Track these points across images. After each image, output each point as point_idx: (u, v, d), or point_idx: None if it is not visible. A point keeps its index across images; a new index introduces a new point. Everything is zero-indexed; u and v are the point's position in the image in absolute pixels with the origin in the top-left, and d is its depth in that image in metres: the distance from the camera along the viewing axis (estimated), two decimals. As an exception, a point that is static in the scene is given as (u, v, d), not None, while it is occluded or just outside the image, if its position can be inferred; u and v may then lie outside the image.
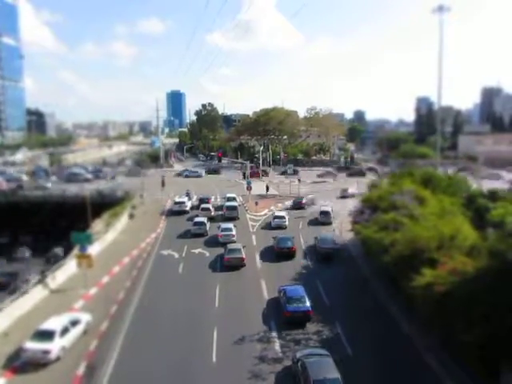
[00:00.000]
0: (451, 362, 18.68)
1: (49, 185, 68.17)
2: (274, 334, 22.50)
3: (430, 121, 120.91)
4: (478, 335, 15.95)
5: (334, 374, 17.07)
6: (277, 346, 21.40)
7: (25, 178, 74.84)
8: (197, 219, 42.97)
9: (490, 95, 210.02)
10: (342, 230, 41.58)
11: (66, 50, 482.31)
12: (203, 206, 48.90)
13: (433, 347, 20.11)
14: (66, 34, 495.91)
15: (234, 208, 48.29)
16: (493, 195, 34.15)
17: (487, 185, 44.43)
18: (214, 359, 20.35)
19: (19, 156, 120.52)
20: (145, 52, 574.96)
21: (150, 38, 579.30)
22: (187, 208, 50.24)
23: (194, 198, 56.43)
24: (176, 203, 51.07)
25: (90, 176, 78.19)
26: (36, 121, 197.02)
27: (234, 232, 39.24)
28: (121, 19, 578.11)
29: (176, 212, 49.86)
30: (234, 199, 53.77)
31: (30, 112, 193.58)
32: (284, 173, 78.22)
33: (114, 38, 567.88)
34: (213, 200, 55.67)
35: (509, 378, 16.01)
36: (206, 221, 42.59)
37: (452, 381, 17.76)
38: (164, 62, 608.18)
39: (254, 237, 40.88)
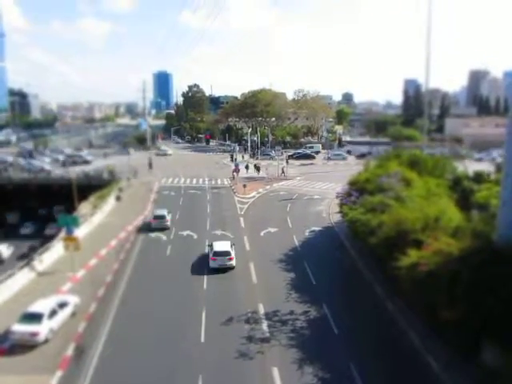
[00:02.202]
0: (433, 340, 19.13)
1: (47, 167, 66.69)
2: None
3: (417, 103, 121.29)
4: (460, 313, 16.33)
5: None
6: (264, 326, 21.69)
7: (10, 159, 73.58)
8: None
9: (476, 78, 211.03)
10: (329, 212, 41.94)
11: (30, 26, 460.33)
12: None
13: (416, 326, 20.56)
14: (27, 9, 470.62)
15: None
16: (478, 177, 34.52)
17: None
18: (203, 339, 20.60)
19: (1, 137, 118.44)
20: (117, 30, 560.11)
21: (117, 16, 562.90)
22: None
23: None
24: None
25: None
26: (19, 101, 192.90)
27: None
28: None
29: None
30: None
31: (12, 92, 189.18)
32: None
33: (81, 15, 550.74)
34: None
35: (489, 355, 16.47)
36: None
37: (434, 357, 18.21)
38: (140, 42, 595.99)
39: (242, 219, 41.03)
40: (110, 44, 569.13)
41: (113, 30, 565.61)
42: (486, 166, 40.47)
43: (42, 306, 21.52)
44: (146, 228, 38.25)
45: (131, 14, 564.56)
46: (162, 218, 38.38)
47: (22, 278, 26.91)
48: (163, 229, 37.55)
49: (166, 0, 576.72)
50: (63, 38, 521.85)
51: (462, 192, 31.19)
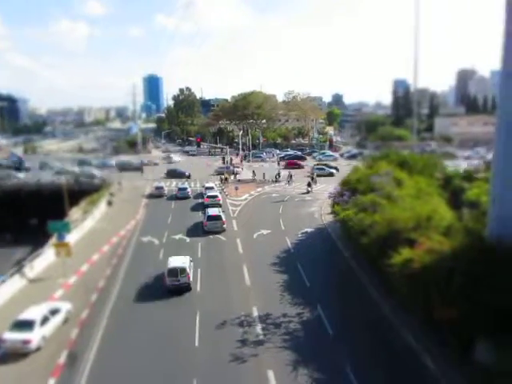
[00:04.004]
0: (429, 339, 19.19)
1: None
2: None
3: (406, 103, 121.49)
4: (455, 311, 16.40)
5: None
6: (258, 328, 21.61)
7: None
8: None
9: (464, 77, 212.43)
10: (321, 213, 42.00)
11: (5, 31, 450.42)
12: None
13: (411, 325, 20.60)
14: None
15: None
16: (469, 176, 34.73)
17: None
18: (197, 343, 20.48)
19: None
20: (95, 33, 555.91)
21: (92, 19, 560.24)
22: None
23: None
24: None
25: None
26: (8, 107, 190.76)
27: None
28: (54, 1, 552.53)
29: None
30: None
31: (1, 98, 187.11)
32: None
33: (55, 19, 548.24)
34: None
35: (482, 352, 16.56)
36: None
37: (430, 356, 18.26)
38: (120, 45, 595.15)
39: (234, 222, 40.94)
40: (90, 47, 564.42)
41: (90, 33, 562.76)
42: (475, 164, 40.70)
43: (33, 313, 21.30)
44: (171, 198, 50.97)
45: (108, 17, 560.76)
46: (185, 189, 51.43)
47: (13, 285, 26.62)
48: (186, 198, 50.26)
49: (144, 3, 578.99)
50: (40, 42, 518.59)
51: (453, 190, 31.39)
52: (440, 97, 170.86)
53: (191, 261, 28.23)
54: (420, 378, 17.59)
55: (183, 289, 25.99)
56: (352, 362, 18.53)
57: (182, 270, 25.96)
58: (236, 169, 66.01)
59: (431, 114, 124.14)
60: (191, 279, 26.37)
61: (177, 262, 26.87)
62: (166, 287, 25.95)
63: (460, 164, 41.94)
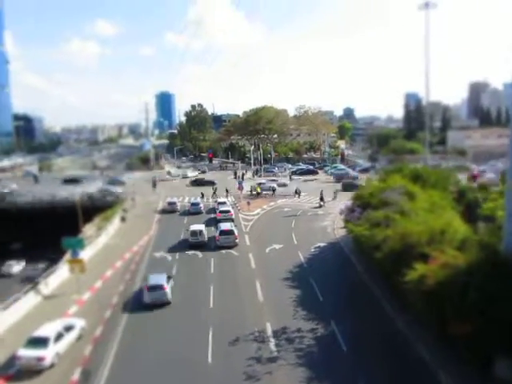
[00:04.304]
0: (445, 355, 18.83)
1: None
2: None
3: (418, 116, 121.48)
4: (471, 327, 16.11)
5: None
6: (272, 345, 21.42)
7: (14, 185, 73.13)
8: None
9: (477, 90, 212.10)
10: (334, 227, 41.79)
11: (18, 52, 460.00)
12: None
13: (426, 340, 20.25)
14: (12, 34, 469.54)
15: None
16: (483, 189, 34.39)
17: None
18: (210, 360, 20.35)
19: (6, 162, 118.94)
20: (106, 53, 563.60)
21: (102, 39, 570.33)
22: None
23: None
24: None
25: None
26: (24, 126, 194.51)
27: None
28: (65, 23, 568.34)
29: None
30: None
31: (17, 117, 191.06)
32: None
33: (66, 41, 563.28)
34: None
35: (503, 369, 16.19)
36: None
37: (446, 373, 17.88)
38: (131, 63, 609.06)
39: (247, 236, 40.91)
40: (101, 66, 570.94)
41: (101, 52, 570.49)
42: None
43: (47, 329, 21.39)
44: (184, 213, 51.57)
45: (118, 37, 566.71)
46: (197, 204, 52.52)
47: (28, 301, 26.82)
48: (198, 213, 50.71)
49: (153, 23, 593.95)
50: (52, 61, 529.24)
51: (467, 204, 31.08)
52: (452, 110, 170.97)
53: (205, 227, 39.75)
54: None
55: (201, 245, 37.37)
56: (367, 378, 18.24)
57: (200, 232, 38.07)
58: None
59: (444, 127, 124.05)
60: (206, 239, 37.96)
61: (196, 227, 39.01)
62: (189, 243, 37.65)
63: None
